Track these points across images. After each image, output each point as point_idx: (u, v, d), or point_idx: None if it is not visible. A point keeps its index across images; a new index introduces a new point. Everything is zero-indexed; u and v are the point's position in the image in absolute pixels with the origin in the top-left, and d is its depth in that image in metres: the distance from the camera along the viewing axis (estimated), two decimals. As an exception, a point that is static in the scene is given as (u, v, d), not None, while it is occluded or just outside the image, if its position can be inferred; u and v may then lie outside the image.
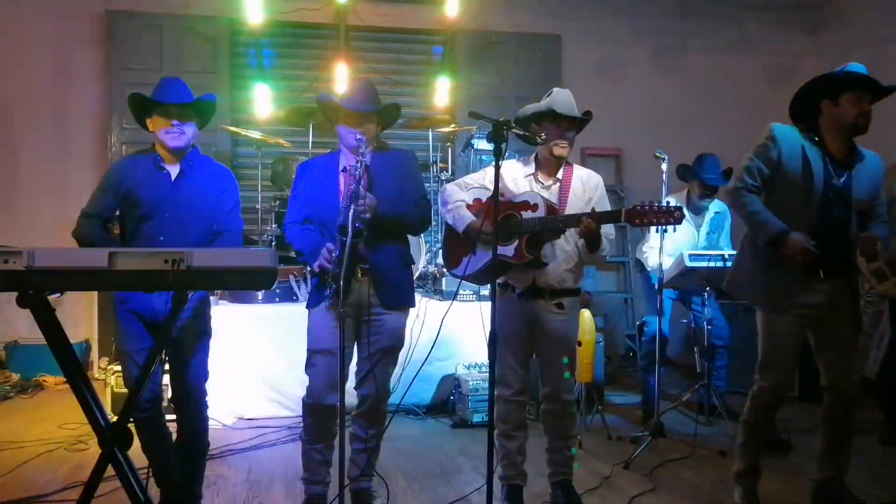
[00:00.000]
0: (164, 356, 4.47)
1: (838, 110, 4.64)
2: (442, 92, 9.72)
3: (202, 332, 4.63)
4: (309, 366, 4.74)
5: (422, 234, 7.21)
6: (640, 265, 7.17)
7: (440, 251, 7.28)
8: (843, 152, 4.70)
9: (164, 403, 4.80)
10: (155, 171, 4.52)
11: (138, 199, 4.46)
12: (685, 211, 4.64)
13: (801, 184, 4.63)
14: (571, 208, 4.74)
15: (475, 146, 8.13)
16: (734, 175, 4.89)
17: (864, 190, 4.69)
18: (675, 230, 4.60)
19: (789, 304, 4.69)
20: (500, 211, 4.55)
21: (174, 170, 4.54)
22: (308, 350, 4.75)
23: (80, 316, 8.62)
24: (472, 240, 4.70)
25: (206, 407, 4.71)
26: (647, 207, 4.34)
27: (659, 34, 10.69)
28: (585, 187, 4.88)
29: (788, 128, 4.77)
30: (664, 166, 6.24)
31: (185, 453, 4.67)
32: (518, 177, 4.86)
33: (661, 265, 6.50)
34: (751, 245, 4.89)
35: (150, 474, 4.48)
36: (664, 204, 4.42)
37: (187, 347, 4.53)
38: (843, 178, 4.66)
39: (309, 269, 4.71)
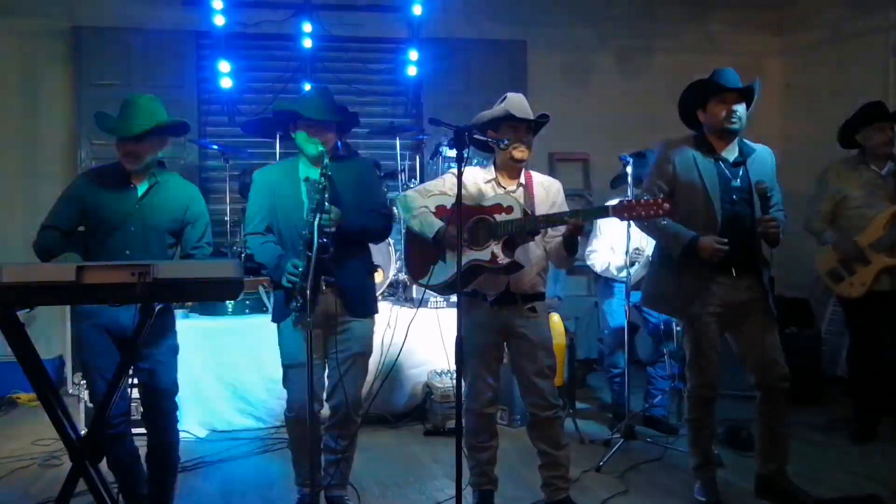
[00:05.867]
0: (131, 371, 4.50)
1: (709, 116, 4.92)
2: (408, 100, 9.79)
3: (169, 347, 4.66)
4: (286, 381, 4.79)
5: (391, 242, 7.21)
6: (594, 273, 7.20)
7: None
8: (733, 152, 4.95)
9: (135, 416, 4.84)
10: (122, 184, 4.54)
11: (104, 212, 4.49)
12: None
13: (701, 192, 4.85)
14: (540, 212, 4.74)
15: (443, 154, 8.13)
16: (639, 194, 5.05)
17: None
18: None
19: (704, 310, 4.89)
20: (469, 215, 4.59)
21: (141, 185, 4.56)
22: (283, 366, 4.79)
23: (54, 332, 8.55)
24: (442, 246, 4.67)
25: (177, 421, 4.75)
26: (634, 202, 4.35)
27: (624, 37, 10.72)
28: (548, 192, 4.90)
29: (679, 140, 5.05)
30: (629, 169, 6.28)
31: (156, 468, 4.70)
32: (479, 182, 4.84)
33: (609, 265, 6.85)
34: (660, 258, 5.14)
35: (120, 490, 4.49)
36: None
37: (155, 363, 4.55)
38: (740, 177, 4.90)
39: (273, 282, 4.72)
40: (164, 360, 4.61)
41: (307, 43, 9.33)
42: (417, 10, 9.45)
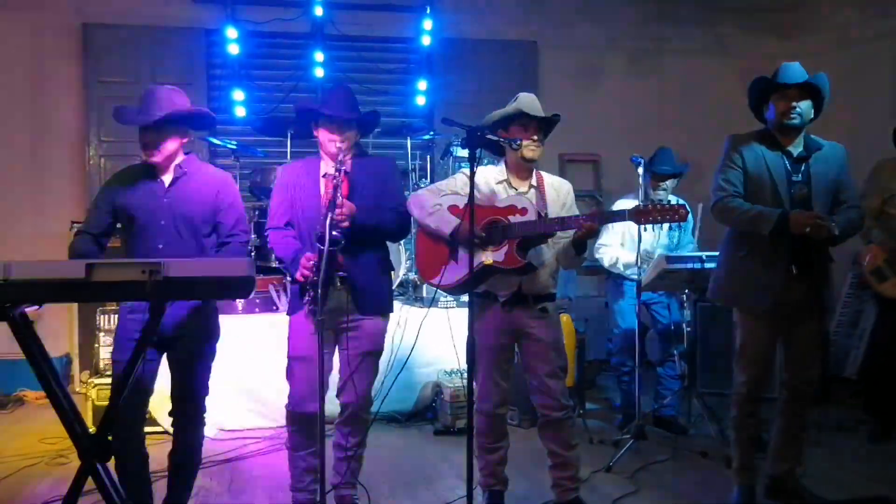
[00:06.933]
0: (142, 372, 4.45)
1: (771, 111, 4.85)
2: (419, 99, 9.84)
3: (206, 351, 4.65)
4: (289, 373, 4.76)
5: (402, 241, 7.19)
6: (606, 271, 7.18)
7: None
8: (798, 147, 4.85)
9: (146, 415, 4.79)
10: (148, 180, 4.52)
11: (133, 209, 4.46)
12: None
13: (769, 187, 4.78)
14: (552, 213, 4.73)
15: (454, 153, 8.11)
16: (712, 191, 4.96)
17: (823, 180, 4.82)
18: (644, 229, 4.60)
19: (767, 304, 4.79)
20: (482, 216, 4.57)
21: (167, 178, 4.53)
22: (288, 357, 4.76)
23: (61, 330, 8.54)
24: (457, 244, 4.66)
25: (203, 424, 4.72)
26: (650, 206, 4.36)
27: (635, 39, 10.73)
28: (559, 193, 4.89)
29: (746, 135, 4.94)
30: (640, 170, 6.27)
31: (175, 468, 4.65)
32: (491, 183, 4.83)
33: (617, 261, 6.83)
34: (726, 251, 5.04)
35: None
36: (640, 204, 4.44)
37: (191, 363, 4.55)
38: (802, 173, 4.81)
39: (289, 277, 4.69)
40: (200, 363, 4.60)
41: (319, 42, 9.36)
42: (430, 9, 9.48)
